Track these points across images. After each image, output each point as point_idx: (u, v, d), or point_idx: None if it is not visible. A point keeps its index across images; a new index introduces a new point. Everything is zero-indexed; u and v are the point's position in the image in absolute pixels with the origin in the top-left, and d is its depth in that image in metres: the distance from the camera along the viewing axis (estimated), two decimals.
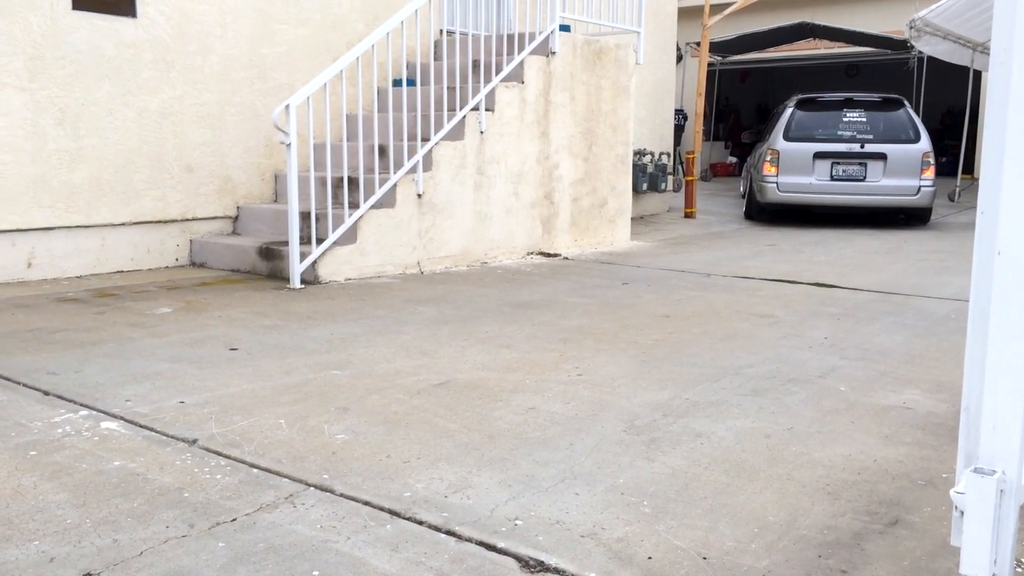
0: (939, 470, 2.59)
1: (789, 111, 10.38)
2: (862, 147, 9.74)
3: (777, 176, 10.04)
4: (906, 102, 10.11)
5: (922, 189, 9.63)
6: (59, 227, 5.70)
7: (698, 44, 12.94)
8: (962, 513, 1.50)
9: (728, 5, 13.22)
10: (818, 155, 9.90)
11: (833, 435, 2.88)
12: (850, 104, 10.24)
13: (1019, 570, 1.97)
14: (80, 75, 5.69)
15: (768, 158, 10.11)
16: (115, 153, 5.91)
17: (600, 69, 7.91)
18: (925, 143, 9.77)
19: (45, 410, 3.03)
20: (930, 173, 9.62)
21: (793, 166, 9.99)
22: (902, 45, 14.37)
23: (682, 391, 3.36)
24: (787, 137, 10.18)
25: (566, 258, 7.27)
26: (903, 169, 9.64)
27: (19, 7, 5.37)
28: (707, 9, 11.54)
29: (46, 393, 3.22)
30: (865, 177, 9.75)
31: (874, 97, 10.28)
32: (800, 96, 10.59)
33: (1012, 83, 1.40)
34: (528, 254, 7.34)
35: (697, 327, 4.54)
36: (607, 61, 7.97)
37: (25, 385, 3.32)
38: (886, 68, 19.44)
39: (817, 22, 15.34)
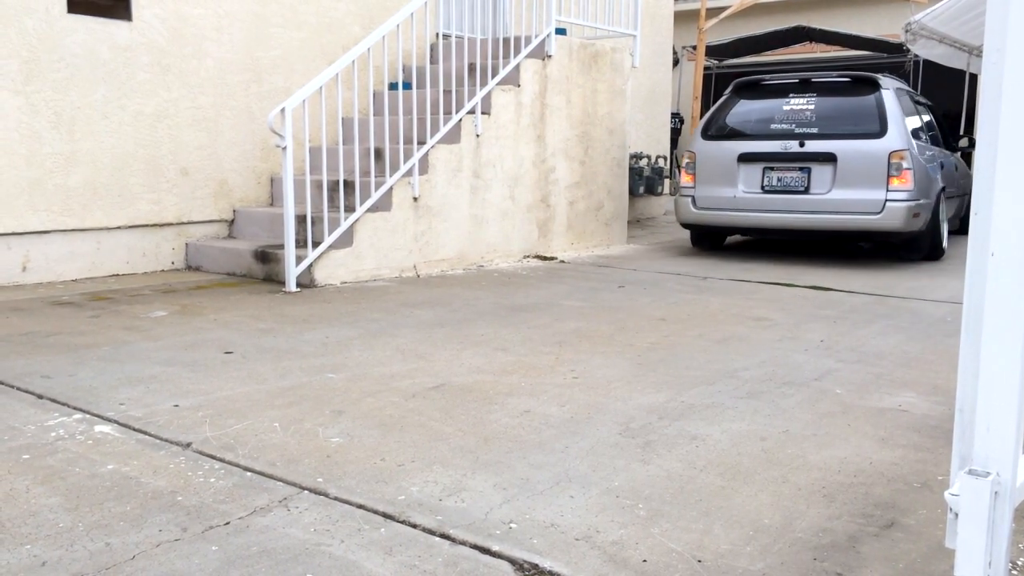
0: (935, 472, 2.59)
1: (722, 100, 7.90)
2: (802, 145, 7.09)
3: (694, 187, 7.54)
4: (884, 83, 7.29)
5: (888, 205, 6.80)
6: (54, 230, 5.68)
7: (694, 47, 12.96)
8: (956, 515, 1.50)
9: (724, 9, 13.25)
10: (744, 158, 7.30)
11: (829, 438, 2.88)
12: (804, 87, 7.49)
13: (1015, 572, 1.97)
14: (75, 78, 5.68)
15: (684, 163, 7.68)
16: (110, 156, 5.90)
17: (596, 72, 7.91)
18: (895, 138, 6.90)
19: (39, 414, 3.01)
20: (903, 181, 6.81)
21: (713, 173, 7.42)
22: (898, 48, 14.40)
23: (678, 394, 3.36)
24: (707, 134, 7.62)
25: (562, 261, 7.27)
26: (860, 176, 6.91)
27: (14, 10, 5.37)
28: (703, 13, 11.57)
29: (40, 396, 3.21)
30: (808, 188, 7.05)
31: (838, 78, 7.45)
32: (740, 80, 7.91)
33: (1005, 84, 1.39)
34: (524, 257, 7.34)
35: (693, 330, 4.54)
36: (603, 64, 7.98)
37: (19, 388, 3.30)
38: (883, 71, 19.45)
39: (813, 26, 15.37)
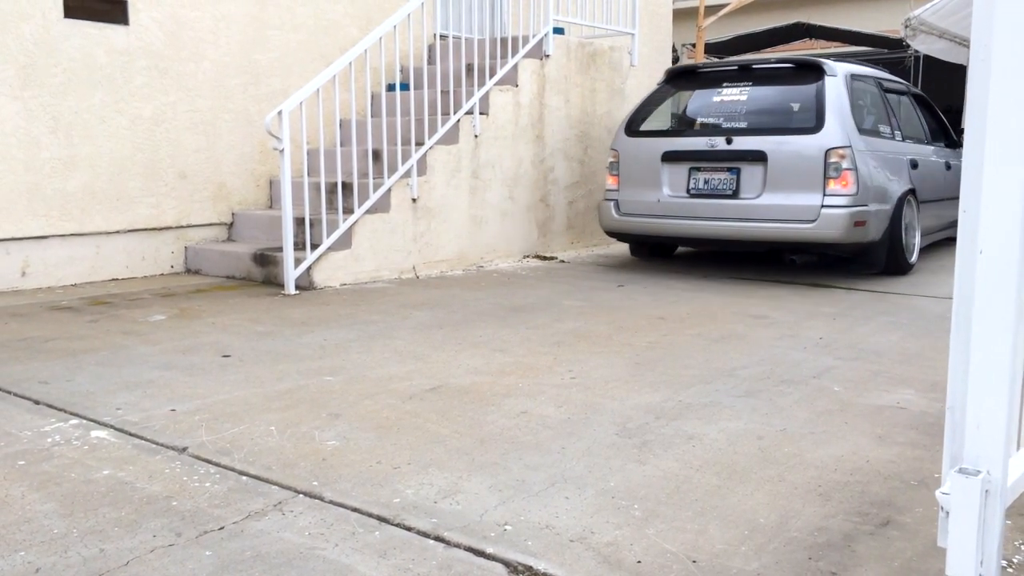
0: (932, 470, 2.58)
1: (653, 90, 7.02)
2: (729, 142, 6.15)
3: (618, 190, 6.67)
4: (831, 69, 6.21)
5: (825, 211, 5.82)
6: (53, 235, 5.69)
7: (694, 45, 12.94)
8: (948, 514, 1.49)
9: (723, 6, 13.23)
10: (668, 156, 6.38)
11: (826, 436, 2.87)
12: (741, 76, 6.50)
13: (1010, 570, 1.96)
14: (73, 83, 5.68)
15: (608, 163, 6.82)
16: (109, 161, 5.91)
17: (595, 71, 7.91)
18: (833, 133, 5.89)
19: (35, 419, 3.02)
20: (843, 184, 5.82)
21: (637, 175, 6.54)
22: (899, 44, 14.37)
23: (675, 393, 3.35)
24: (631, 130, 6.70)
25: (562, 261, 7.26)
26: (793, 178, 5.92)
27: (10, 16, 5.37)
28: (702, 10, 11.56)
29: (36, 402, 3.21)
30: (736, 191, 6.10)
31: (779, 64, 6.46)
32: (673, 67, 7.03)
33: (991, 81, 1.39)
34: (524, 257, 7.34)
35: (692, 329, 4.53)
36: (601, 63, 7.97)
37: (16, 394, 3.31)
38: (883, 67, 19.40)
39: (813, 22, 15.35)
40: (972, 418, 1.45)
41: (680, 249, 7.93)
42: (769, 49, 17.27)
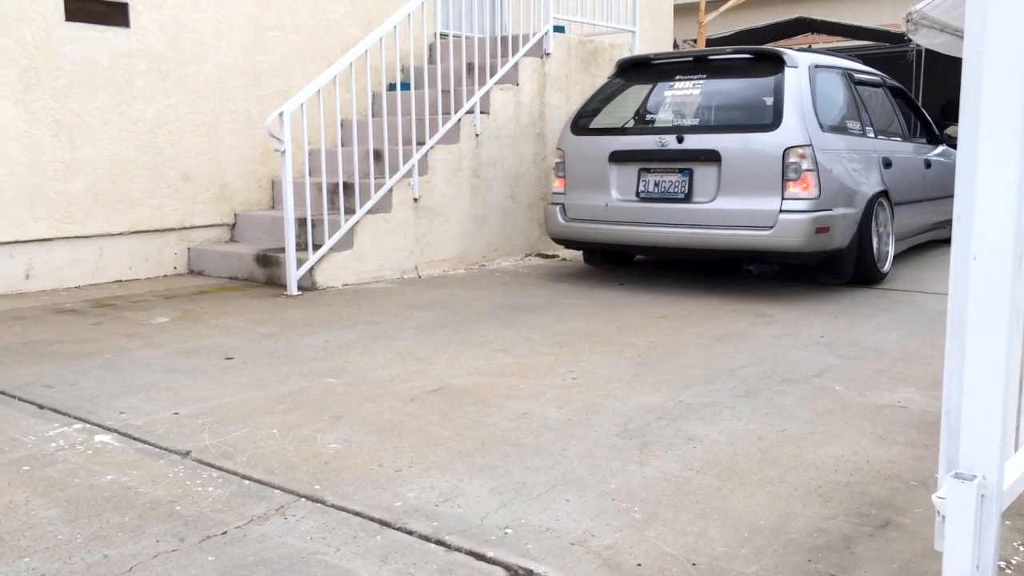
0: (932, 470, 2.58)
1: (603, 84, 6.44)
2: (680, 141, 5.60)
3: (565, 194, 6.11)
4: (792, 60, 5.61)
5: (783, 217, 5.23)
6: (56, 238, 5.71)
7: (695, 41, 12.93)
8: (944, 518, 1.50)
9: (725, 1, 13.22)
10: (617, 157, 5.83)
11: (826, 436, 2.88)
12: (696, 67, 5.94)
13: (1008, 571, 1.97)
14: (74, 86, 5.70)
15: (554, 163, 6.26)
16: (111, 163, 5.92)
17: (595, 69, 7.90)
18: (792, 130, 5.31)
19: (39, 424, 3.03)
20: (804, 187, 5.24)
21: (584, 177, 5.98)
22: (900, 38, 14.34)
23: (676, 393, 3.36)
24: (578, 128, 6.13)
25: (564, 259, 7.27)
26: (749, 179, 5.36)
27: (12, 20, 5.39)
28: (703, 6, 11.54)
29: (41, 407, 3.23)
30: (689, 194, 5.55)
31: (736, 56, 5.88)
32: (625, 58, 6.39)
33: (984, 86, 1.39)
34: (526, 256, 7.34)
35: (693, 327, 4.54)
36: (602, 61, 7.97)
37: (20, 399, 3.32)
38: (885, 61, 19.37)
39: (814, 17, 15.32)
40: (967, 423, 1.46)
41: None
42: (771, 44, 17.23)
